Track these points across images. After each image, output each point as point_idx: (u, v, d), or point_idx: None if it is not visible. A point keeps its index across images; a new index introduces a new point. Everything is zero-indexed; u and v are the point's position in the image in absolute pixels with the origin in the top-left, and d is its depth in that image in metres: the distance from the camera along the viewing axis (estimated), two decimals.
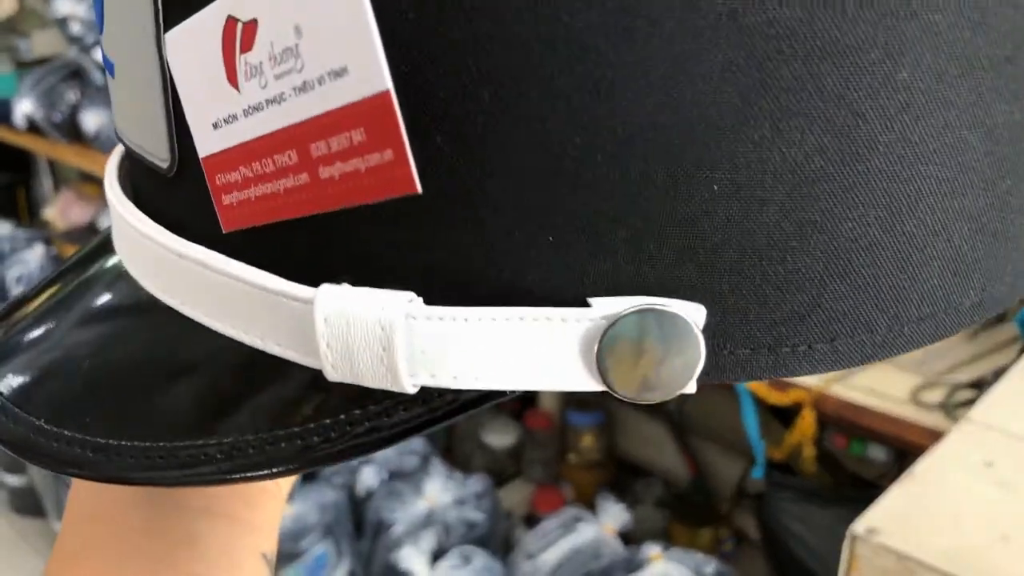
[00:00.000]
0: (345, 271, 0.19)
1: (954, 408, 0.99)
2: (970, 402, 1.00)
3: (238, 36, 0.16)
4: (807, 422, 0.97)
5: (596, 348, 0.18)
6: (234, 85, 0.17)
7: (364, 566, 1.19)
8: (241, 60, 0.17)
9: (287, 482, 0.29)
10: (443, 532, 1.16)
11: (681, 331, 0.18)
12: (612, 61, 0.16)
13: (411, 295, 0.18)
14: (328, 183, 0.16)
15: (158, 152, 0.20)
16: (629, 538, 1.16)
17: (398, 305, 0.18)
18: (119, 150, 0.26)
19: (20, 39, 2.05)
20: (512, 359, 0.18)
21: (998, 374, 1.03)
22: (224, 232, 0.19)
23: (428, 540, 1.13)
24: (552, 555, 1.10)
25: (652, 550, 1.06)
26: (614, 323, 0.18)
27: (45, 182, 2.19)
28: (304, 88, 0.16)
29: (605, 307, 0.18)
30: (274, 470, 0.20)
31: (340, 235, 0.18)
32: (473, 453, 1.48)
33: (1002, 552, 0.57)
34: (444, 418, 0.20)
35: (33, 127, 1.76)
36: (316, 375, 0.19)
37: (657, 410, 1.40)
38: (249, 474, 0.20)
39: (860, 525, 0.59)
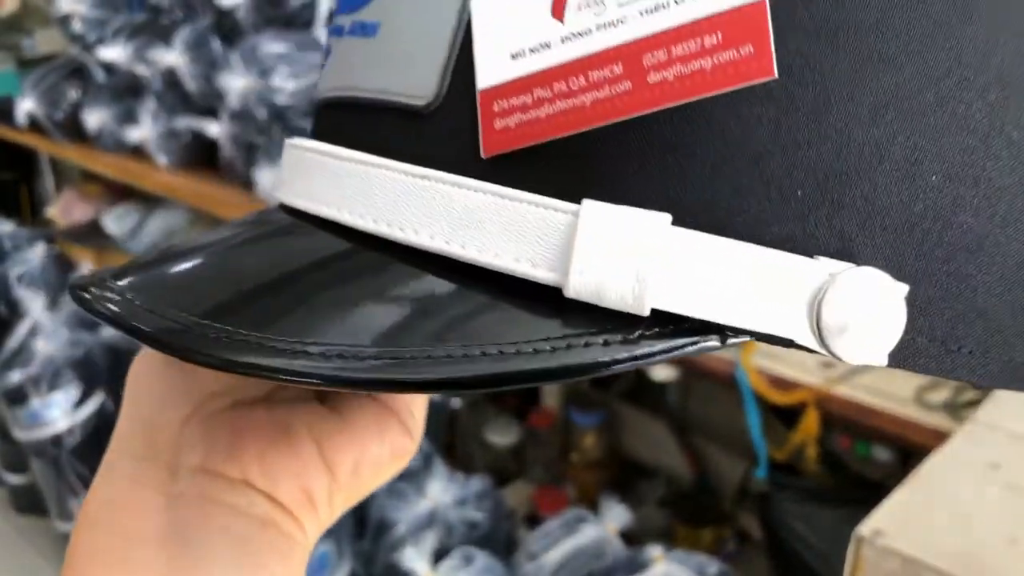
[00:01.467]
0: (598, 194, 0.21)
1: (959, 408, 0.98)
2: (975, 402, 0.99)
3: None
4: (811, 422, 0.96)
5: (818, 301, 0.20)
6: (558, 17, 0.21)
7: (365, 566, 1.18)
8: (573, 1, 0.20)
9: (316, 528, 0.28)
10: (445, 532, 1.16)
11: (890, 302, 0.20)
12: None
13: (669, 217, 0.20)
14: (658, 86, 0.20)
15: (418, 91, 0.23)
16: (631, 538, 1.16)
17: (662, 225, 0.20)
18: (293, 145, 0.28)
19: (22, 37, 2.04)
20: (747, 298, 0.20)
21: None
22: (483, 157, 0.22)
23: (430, 540, 1.13)
24: (554, 555, 1.10)
25: (655, 551, 1.06)
26: (837, 280, 0.20)
27: (47, 180, 2.19)
28: (656, 8, 0.20)
29: (832, 265, 0.20)
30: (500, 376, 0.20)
31: (597, 159, 0.21)
32: (475, 453, 1.48)
33: (1009, 554, 0.57)
34: (659, 354, 0.21)
35: (35, 125, 1.76)
36: (545, 293, 0.21)
37: (659, 410, 1.40)
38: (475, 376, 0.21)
39: (865, 527, 0.59)
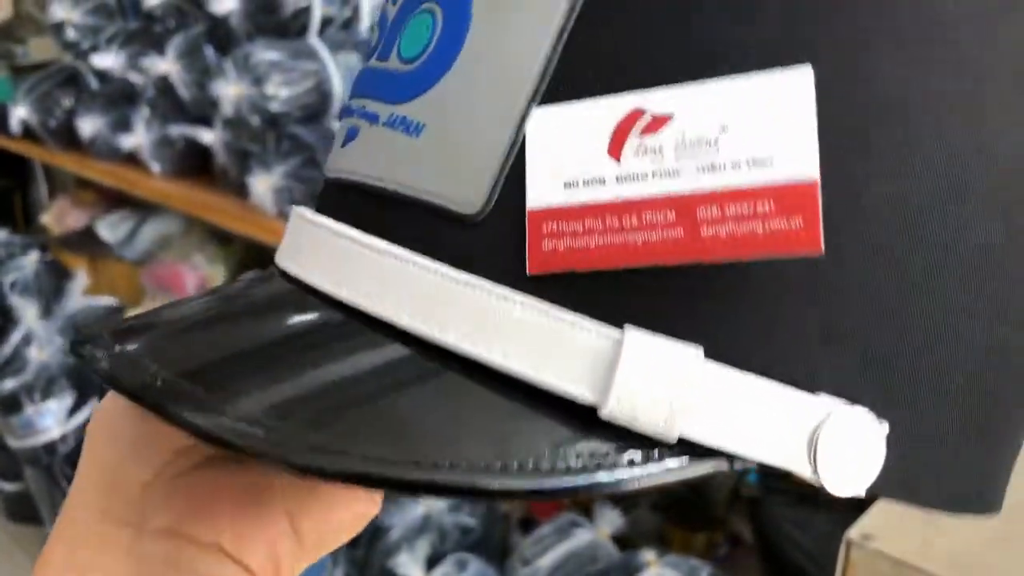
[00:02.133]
0: (636, 321, 0.22)
1: None
2: None
3: (641, 123, 0.22)
4: None
5: (816, 436, 0.22)
6: (614, 156, 0.22)
7: (360, 572, 1.18)
8: (635, 140, 0.22)
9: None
10: (438, 538, 1.16)
11: (875, 440, 0.22)
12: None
13: (701, 351, 0.22)
14: (710, 239, 0.21)
15: (466, 199, 0.23)
16: (624, 542, 1.16)
17: (698, 357, 0.22)
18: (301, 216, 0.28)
19: (16, 44, 2.04)
20: (758, 429, 0.22)
21: None
22: (528, 274, 0.23)
23: (424, 546, 1.13)
24: (548, 560, 1.10)
25: (648, 555, 1.06)
26: (833, 418, 0.22)
27: (41, 188, 2.19)
28: (711, 168, 0.21)
29: (830, 403, 0.22)
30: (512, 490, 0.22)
31: (639, 291, 0.22)
32: None
33: (1000, 555, 0.57)
34: (678, 475, 0.22)
35: (29, 133, 1.76)
36: (576, 412, 0.22)
37: None
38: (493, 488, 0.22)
39: (855, 531, 0.59)
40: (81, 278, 1.77)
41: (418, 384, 0.23)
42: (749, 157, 0.20)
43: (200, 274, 1.64)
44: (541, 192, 0.23)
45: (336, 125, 0.30)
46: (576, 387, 0.22)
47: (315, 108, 1.34)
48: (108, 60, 1.57)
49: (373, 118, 0.26)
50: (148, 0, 1.49)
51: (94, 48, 1.63)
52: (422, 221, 0.24)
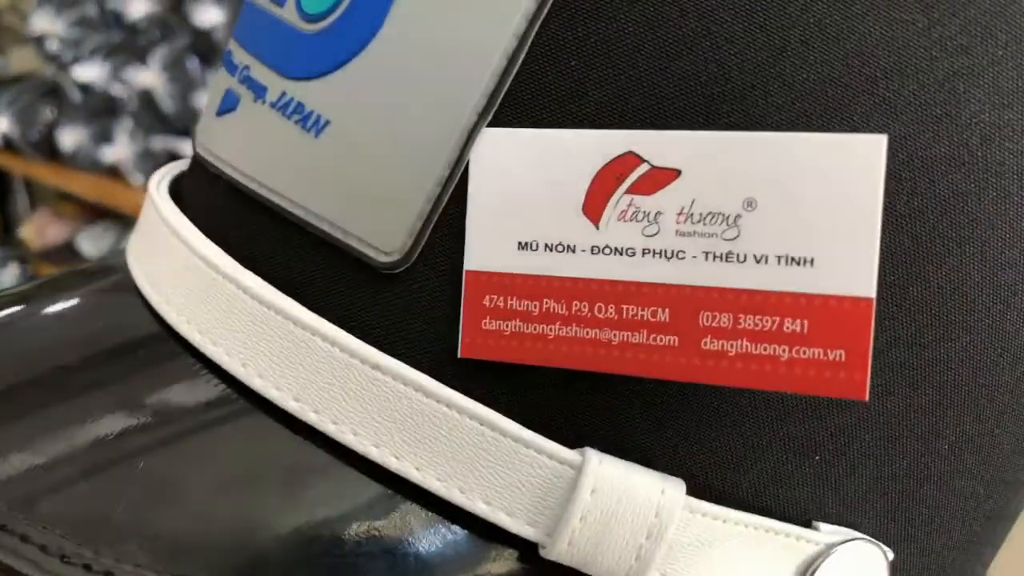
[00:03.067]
0: (597, 441, 0.17)
1: None
2: None
3: (633, 175, 0.15)
4: None
5: (813, 570, 0.18)
6: (590, 217, 0.16)
7: None
8: (621, 198, 0.15)
9: None
10: None
11: (878, 569, 0.19)
12: None
13: (683, 486, 0.17)
14: (713, 358, 0.15)
15: (378, 240, 0.17)
16: None
17: (677, 491, 0.17)
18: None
19: None
20: (743, 565, 0.18)
21: None
22: (458, 357, 0.17)
23: None
24: None
25: None
26: (833, 549, 0.18)
27: (21, 201, 2.16)
28: (724, 258, 0.15)
29: (830, 536, 0.18)
30: None
31: (607, 405, 0.17)
32: None
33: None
34: None
35: (9, 145, 1.74)
36: (521, 548, 0.17)
37: None
38: None
39: None
40: None
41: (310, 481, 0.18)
42: (781, 251, 0.15)
43: None
44: (485, 249, 0.16)
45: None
46: (515, 521, 0.17)
47: None
48: (90, 72, 1.55)
49: (259, 91, 0.19)
50: (131, 12, 1.48)
51: (76, 60, 1.62)
52: (314, 258, 0.18)
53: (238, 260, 0.19)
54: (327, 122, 0.17)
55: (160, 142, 1.48)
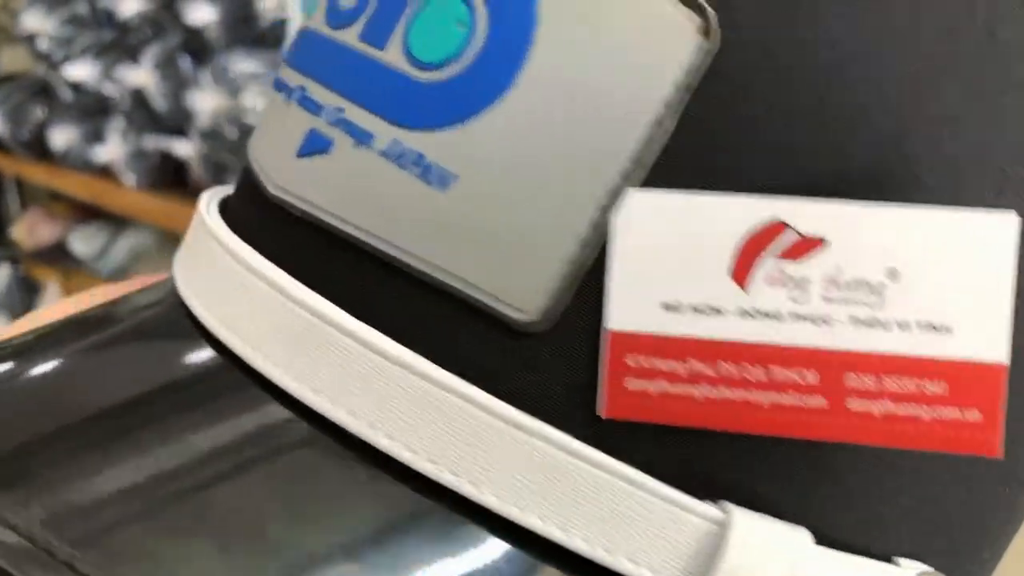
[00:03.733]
0: (734, 495, 0.18)
1: None
2: None
3: (779, 241, 0.16)
4: None
5: None
6: (738, 281, 0.16)
7: None
8: (767, 262, 0.16)
9: None
10: None
11: None
12: None
13: (811, 537, 0.18)
14: (858, 417, 0.16)
15: (515, 299, 0.17)
16: None
17: (809, 542, 0.18)
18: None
19: None
20: None
21: None
22: (600, 416, 0.17)
23: None
24: None
25: None
26: None
27: (12, 201, 2.15)
28: (868, 323, 0.16)
29: (912, 568, 0.19)
30: None
31: (746, 462, 0.17)
32: None
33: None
34: None
35: None
36: None
37: None
38: None
39: None
40: (53, 292, 1.74)
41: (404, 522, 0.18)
42: (922, 318, 0.16)
43: None
44: (629, 310, 0.16)
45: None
46: (642, 571, 0.17)
47: None
48: (81, 71, 1.54)
49: (363, 137, 0.18)
50: (123, 10, 1.47)
51: (67, 59, 1.60)
52: (437, 313, 0.18)
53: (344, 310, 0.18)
54: (455, 176, 0.17)
55: (152, 141, 1.47)
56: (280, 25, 1.33)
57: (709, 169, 0.16)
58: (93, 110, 1.59)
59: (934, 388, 0.16)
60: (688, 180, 0.16)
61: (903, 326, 0.16)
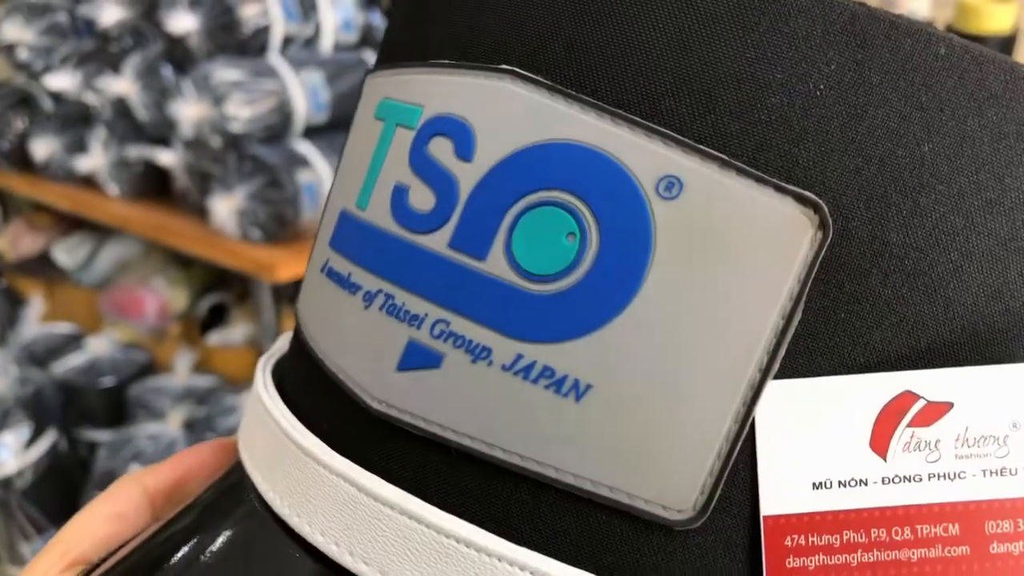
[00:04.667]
0: None
1: None
2: None
3: (912, 411, 0.17)
4: None
5: None
6: (879, 452, 0.17)
7: None
8: (905, 432, 0.17)
9: None
10: None
11: None
12: None
13: None
14: (1001, 559, 0.17)
15: (672, 501, 0.17)
16: None
17: None
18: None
19: None
20: None
21: None
22: None
23: None
24: None
25: None
26: None
27: None
28: (999, 473, 0.17)
29: None
30: None
31: None
32: None
33: None
34: None
35: None
36: None
37: None
38: None
39: None
40: (37, 304, 1.72)
41: None
42: None
43: (160, 298, 1.60)
44: (781, 494, 0.17)
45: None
46: None
47: (277, 128, 1.31)
48: (62, 81, 1.53)
49: (480, 352, 0.18)
50: (103, 19, 1.46)
51: (47, 68, 1.59)
52: (580, 519, 0.17)
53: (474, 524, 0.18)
54: (588, 386, 0.17)
55: (135, 151, 1.45)
56: (263, 32, 1.33)
57: (837, 350, 0.17)
58: (75, 120, 1.58)
59: None
60: (820, 363, 0.17)
61: None
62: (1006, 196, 0.17)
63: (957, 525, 0.17)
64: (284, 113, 1.31)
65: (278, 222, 1.28)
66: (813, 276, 0.16)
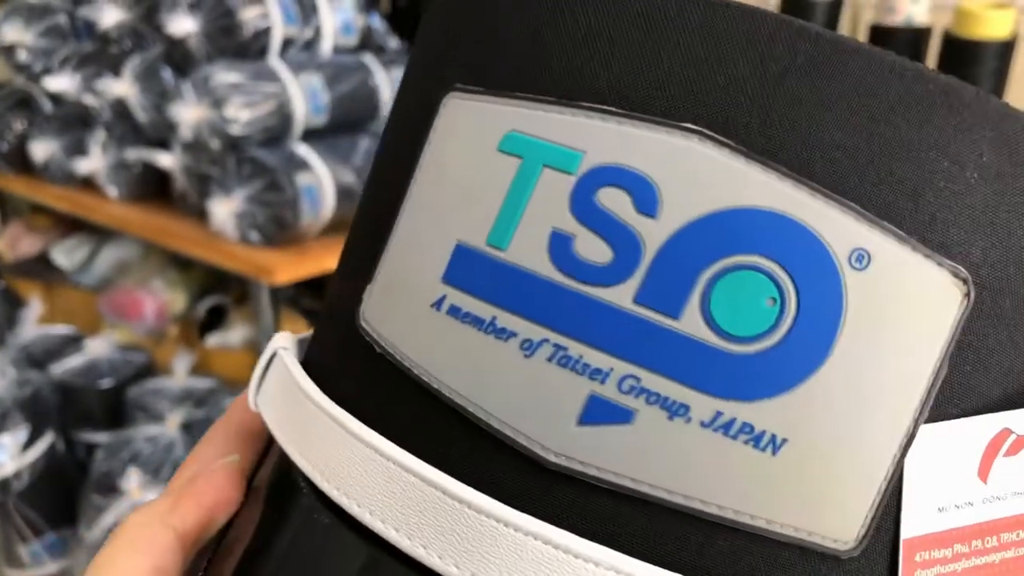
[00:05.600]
0: None
1: None
2: None
3: (1006, 443, 0.20)
4: None
5: None
6: (982, 478, 0.20)
7: None
8: (1001, 461, 0.20)
9: None
10: None
11: None
12: None
13: None
14: None
15: (843, 535, 0.19)
16: None
17: None
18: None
19: None
20: None
21: None
22: None
23: None
24: None
25: None
26: None
27: None
28: None
29: None
30: None
31: None
32: None
33: None
34: None
35: None
36: None
37: None
38: None
39: None
40: (35, 306, 1.72)
41: None
42: None
43: (159, 300, 1.60)
44: (917, 521, 0.20)
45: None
46: None
47: (276, 131, 1.31)
48: (62, 83, 1.53)
49: (679, 410, 0.19)
50: (103, 21, 1.46)
51: (47, 70, 1.59)
52: (773, 560, 0.19)
53: None
54: (784, 440, 0.19)
55: (134, 153, 1.45)
56: (263, 34, 1.33)
57: (962, 395, 0.20)
58: (74, 122, 1.58)
59: None
60: (949, 407, 0.20)
61: None
62: None
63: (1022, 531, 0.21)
64: (283, 116, 1.31)
65: (277, 224, 1.28)
66: (961, 331, 0.19)
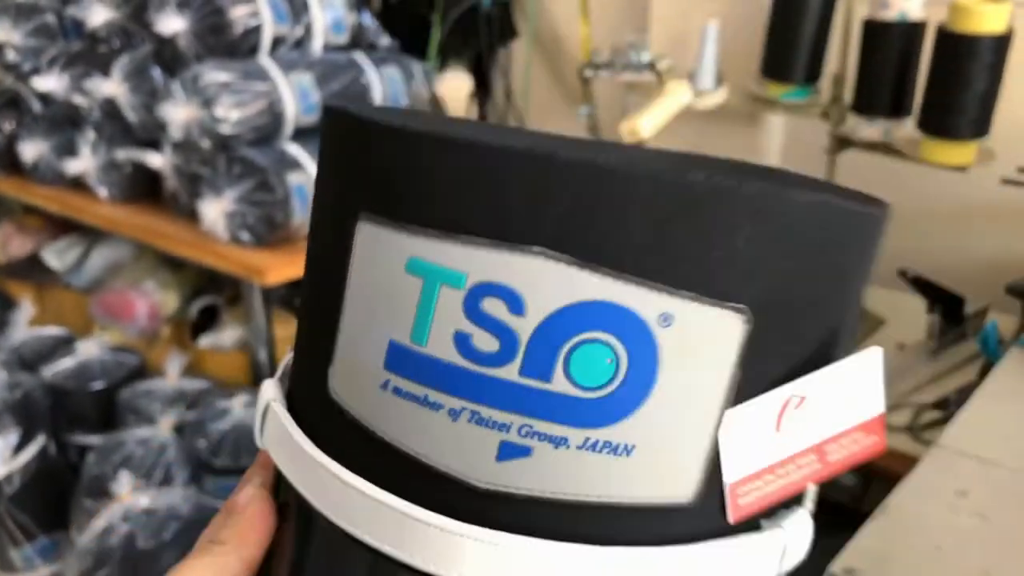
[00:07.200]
0: (780, 519, 0.29)
1: (920, 430, 0.98)
2: (935, 423, 0.99)
3: (791, 404, 0.27)
4: None
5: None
6: (777, 429, 0.27)
7: None
8: (790, 414, 0.27)
9: None
10: None
11: None
12: None
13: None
14: (834, 463, 0.29)
15: (681, 493, 0.27)
16: None
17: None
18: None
19: None
20: None
21: (961, 392, 1.03)
22: (731, 522, 0.28)
23: None
24: None
25: None
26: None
27: None
28: (834, 424, 0.29)
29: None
30: None
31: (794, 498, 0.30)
32: None
33: None
34: None
35: None
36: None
37: None
38: None
39: (837, 566, 0.57)
40: (27, 308, 1.71)
41: None
42: (851, 412, 0.29)
43: (151, 301, 1.59)
44: (736, 470, 0.27)
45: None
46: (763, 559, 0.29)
47: (267, 130, 1.30)
48: (51, 82, 1.52)
49: (559, 441, 0.27)
50: (91, 20, 1.45)
51: (36, 70, 1.58)
52: (639, 522, 0.28)
53: None
54: (633, 446, 0.26)
55: (124, 153, 1.44)
56: (253, 33, 1.32)
57: (755, 384, 0.27)
58: (63, 122, 1.57)
59: (860, 435, 0.30)
60: (747, 393, 0.27)
61: (842, 419, 0.29)
62: (834, 294, 0.28)
63: (814, 455, 0.29)
64: (274, 114, 1.30)
65: (268, 224, 1.27)
66: (746, 346, 0.26)
